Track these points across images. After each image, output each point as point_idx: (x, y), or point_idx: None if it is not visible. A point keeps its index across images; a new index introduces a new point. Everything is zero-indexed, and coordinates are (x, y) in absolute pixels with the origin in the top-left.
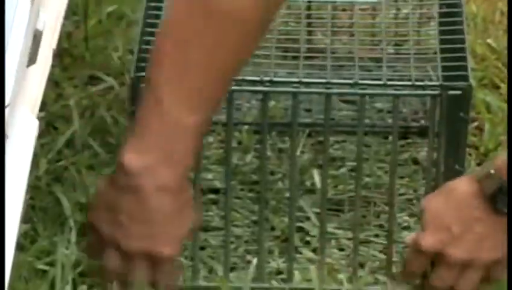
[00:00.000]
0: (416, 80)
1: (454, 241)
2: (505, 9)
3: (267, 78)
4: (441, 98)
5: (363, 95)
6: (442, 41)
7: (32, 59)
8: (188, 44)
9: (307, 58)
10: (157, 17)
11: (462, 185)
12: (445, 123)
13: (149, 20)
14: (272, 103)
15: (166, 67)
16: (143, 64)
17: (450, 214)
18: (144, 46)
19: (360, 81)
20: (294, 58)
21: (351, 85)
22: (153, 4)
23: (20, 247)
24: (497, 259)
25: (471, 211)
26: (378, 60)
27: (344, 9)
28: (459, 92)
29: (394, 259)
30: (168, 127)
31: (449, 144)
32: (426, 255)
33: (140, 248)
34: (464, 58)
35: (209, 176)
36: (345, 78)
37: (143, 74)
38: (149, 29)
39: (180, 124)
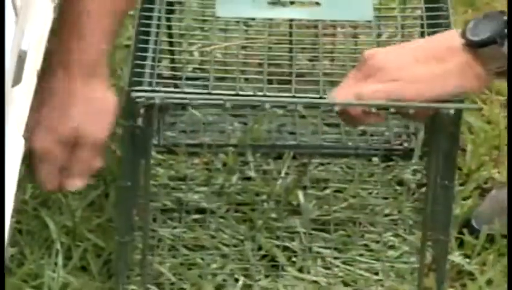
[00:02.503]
0: None
1: None
2: None
3: (260, 93)
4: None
5: None
6: None
7: (16, 79)
8: None
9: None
10: (147, 33)
11: None
12: (437, 140)
13: (141, 37)
14: (255, 126)
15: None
16: (137, 79)
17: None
18: (137, 62)
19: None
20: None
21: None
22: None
23: (7, 271)
24: None
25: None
26: None
27: (325, 34)
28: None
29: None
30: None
31: (438, 162)
32: None
33: (73, 130)
34: None
35: (195, 196)
36: None
37: (137, 88)
38: (141, 46)
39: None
